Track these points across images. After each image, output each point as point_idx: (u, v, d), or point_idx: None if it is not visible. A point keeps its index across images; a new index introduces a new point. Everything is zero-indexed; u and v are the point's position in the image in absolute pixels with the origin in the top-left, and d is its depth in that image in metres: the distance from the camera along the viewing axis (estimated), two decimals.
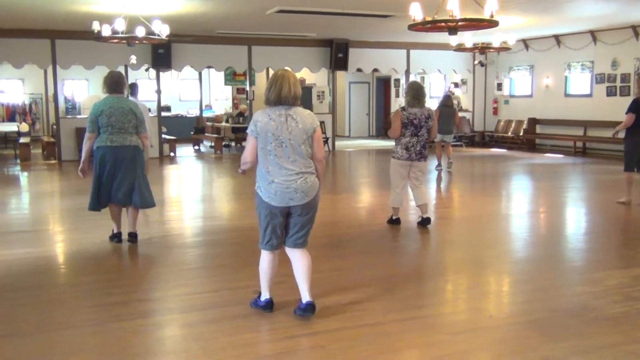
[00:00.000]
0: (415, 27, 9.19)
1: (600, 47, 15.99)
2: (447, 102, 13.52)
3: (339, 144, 19.31)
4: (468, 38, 13.07)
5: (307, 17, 13.12)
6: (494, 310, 4.83)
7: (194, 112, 22.83)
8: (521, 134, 18.44)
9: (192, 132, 19.79)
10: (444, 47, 16.75)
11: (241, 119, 18.75)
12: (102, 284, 5.51)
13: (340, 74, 19.86)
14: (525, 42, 17.93)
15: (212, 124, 20.34)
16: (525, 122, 18.31)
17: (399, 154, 7.44)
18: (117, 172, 6.42)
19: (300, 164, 4.21)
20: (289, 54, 17.28)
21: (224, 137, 18.82)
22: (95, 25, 10.94)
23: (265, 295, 4.52)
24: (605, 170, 13.53)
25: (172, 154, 16.85)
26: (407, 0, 8.78)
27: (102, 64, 15.57)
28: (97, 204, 6.61)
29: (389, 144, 20.70)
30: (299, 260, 4.45)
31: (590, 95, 16.51)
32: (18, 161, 15.46)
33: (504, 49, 14.06)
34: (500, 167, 14.52)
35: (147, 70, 17.81)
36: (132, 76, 16.59)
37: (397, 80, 22.58)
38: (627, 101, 9.21)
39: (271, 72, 17.33)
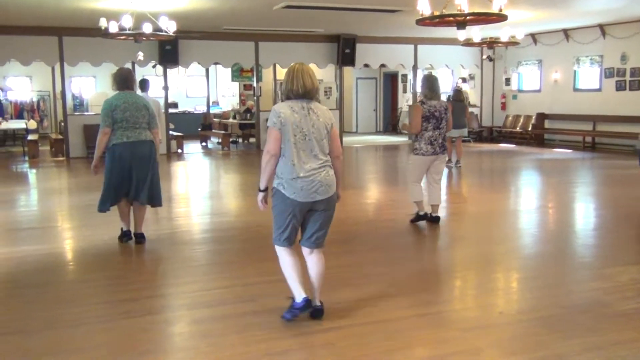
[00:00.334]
0: (423, 22, 9.15)
1: (609, 41, 15.87)
2: (459, 97, 13.45)
3: (346, 139, 19.26)
4: (476, 33, 13.01)
5: (314, 12, 13.09)
6: (505, 306, 4.79)
7: (201, 108, 22.83)
8: (529, 129, 18.35)
9: (199, 129, 19.79)
10: (452, 42, 16.67)
11: (248, 115, 18.72)
12: (111, 281, 5.52)
13: (347, 70, 19.81)
14: (534, 37, 17.82)
15: (220, 120, 20.34)
16: (534, 117, 18.21)
17: (423, 149, 7.22)
18: (135, 169, 6.31)
19: (323, 158, 4.17)
20: (296, 49, 17.24)
21: (231, 134, 18.81)
22: (103, 22, 10.94)
23: (300, 295, 4.22)
24: (614, 165, 13.45)
25: (179, 151, 16.86)
26: None
27: (109, 60, 15.60)
28: (107, 205, 6.48)
29: (396, 139, 20.68)
30: (316, 263, 4.36)
31: (599, 90, 16.40)
32: (26, 158, 15.51)
33: (512, 43, 13.97)
34: (508, 163, 14.45)
35: (154, 66, 17.84)
36: (139, 73, 16.58)
37: (405, 76, 22.50)
38: (637, 96, 9.12)
39: (278, 68, 17.40)
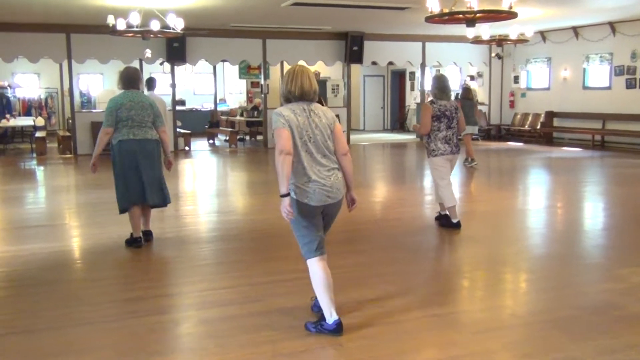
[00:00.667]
0: (432, 19, 9.11)
1: (619, 39, 15.74)
2: (468, 95, 13.36)
3: (354, 137, 19.20)
4: (485, 30, 12.91)
5: (322, 9, 13.03)
6: (516, 308, 4.73)
7: (208, 106, 22.82)
8: (538, 127, 18.23)
9: (206, 126, 19.77)
10: (460, 39, 16.59)
11: (256, 112, 18.69)
12: (118, 280, 5.50)
13: (354, 67, 19.73)
14: (543, 34, 17.70)
15: (227, 117, 20.32)
16: (543, 115, 18.10)
17: (440, 149, 7.08)
18: (142, 168, 6.23)
19: (330, 160, 4.06)
20: (304, 47, 17.20)
21: (238, 131, 18.78)
22: (110, 19, 10.93)
23: (333, 316, 4.00)
24: (624, 163, 13.35)
25: (186, 148, 16.85)
26: None
27: (117, 57, 15.59)
28: (126, 204, 6.34)
29: (404, 137, 20.60)
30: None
31: (609, 88, 16.27)
32: (34, 155, 15.53)
33: (522, 41, 13.90)
34: (517, 161, 14.36)
35: (161, 64, 17.83)
36: (147, 70, 16.57)
37: (412, 74, 22.41)
38: None
39: (286, 65, 17.32)
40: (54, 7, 12.35)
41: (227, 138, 18.35)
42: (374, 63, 19.03)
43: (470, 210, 8.83)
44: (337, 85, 20.76)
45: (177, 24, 11.14)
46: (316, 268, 4.05)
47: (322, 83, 21.25)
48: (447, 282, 5.47)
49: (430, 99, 7.31)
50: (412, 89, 22.82)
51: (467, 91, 13.62)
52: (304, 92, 4.03)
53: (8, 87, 20.95)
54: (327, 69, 20.37)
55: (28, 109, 21.87)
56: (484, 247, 6.60)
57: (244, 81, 22.96)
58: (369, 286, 5.07)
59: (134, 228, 6.40)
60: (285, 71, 4.40)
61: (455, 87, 18.44)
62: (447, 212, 7.31)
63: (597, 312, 4.48)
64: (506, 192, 10.31)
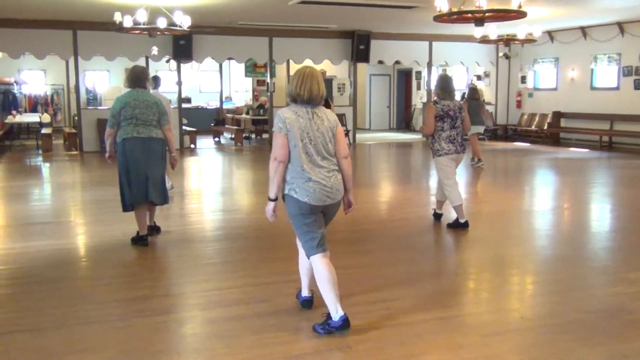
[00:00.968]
0: (441, 18, 9.05)
1: (627, 39, 15.63)
2: (474, 95, 13.28)
3: (359, 136, 19.13)
4: (492, 30, 12.84)
5: (329, 8, 12.98)
6: (525, 311, 4.66)
7: (213, 103, 22.80)
8: (545, 127, 18.14)
9: (212, 124, 19.75)
10: (467, 39, 16.52)
11: (262, 111, 18.66)
12: (124, 278, 5.46)
13: (361, 66, 19.66)
14: (550, 34, 17.60)
15: (233, 115, 20.29)
16: (550, 115, 18.00)
17: (445, 149, 7.07)
18: (147, 167, 6.21)
19: (330, 162, 4.09)
20: (310, 45, 17.15)
21: (244, 129, 18.74)
22: (117, 16, 10.90)
23: (339, 312, 3.99)
24: (632, 165, 13.26)
25: (192, 146, 16.84)
26: None
27: (124, 55, 15.59)
28: (127, 205, 6.33)
29: (409, 137, 20.54)
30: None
31: (617, 89, 16.17)
32: (40, 152, 15.53)
33: (529, 40, 13.82)
34: (524, 162, 14.28)
35: (167, 61, 17.80)
36: (153, 67, 16.50)
37: (419, 73, 22.33)
38: None
39: (292, 64, 17.29)
40: (60, 4, 12.33)
41: (233, 136, 18.32)
42: (380, 62, 18.97)
43: (477, 210, 8.77)
44: (343, 84, 20.71)
45: (184, 22, 11.11)
46: (319, 265, 4.06)
47: (328, 82, 21.19)
48: (454, 284, 5.42)
49: (435, 98, 7.29)
50: (419, 88, 22.75)
51: (473, 91, 13.55)
52: (312, 97, 4.05)
53: (14, 84, 20.98)
54: (333, 68, 20.32)
55: (34, 105, 21.90)
56: (490, 248, 6.54)
57: (249, 79, 22.95)
58: (375, 287, 5.03)
59: (140, 226, 6.36)
60: (293, 70, 4.46)
61: (462, 87, 18.40)
62: (442, 211, 7.41)
63: (608, 316, 4.42)
64: (513, 192, 10.25)
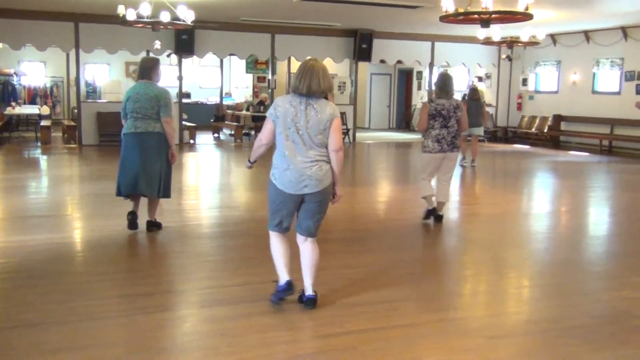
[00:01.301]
0: (447, 18, 9.01)
1: (631, 44, 15.61)
2: (474, 95, 13.24)
3: (359, 135, 19.07)
4: (496, 32, 12.80)
5: (333, 6, 12.93)
6: (530, 314, 4.63)
7: (213, 99, 22.72)
8: (545, 130, 18.12)
9: (212, 120, 19.68)
10: (470, 40, 16.49)
11: (262, 107, 18.59)
12: (125, 274, 5.42)
13: (362, 65, 19.60)
14: (553, 37, 17.58)
15: (233, 112, 20.21)
16: (550, 118, 17.98)
17: (430, 147, 7.21)
18: (142, 160, 6.25)
19: (316, 153, 4.21)
20: (313, 43, 17.09)
21: (244, 126, 18.69)
22: (121, 9, 10.84)
23: (284, 278, 4.42)
24: (632, 169, 13.25)
25: (191, 141, 16.78)
26: None
27: (125, 48, 15.52)
28: (120, 191, 6.48)
29: (409, 137, 20.51)
30: (308, 252, 4.42)
31: (618, 93, 16.15)
32: (39, 144, 15.44)
33: (533, 43, 13.79)
34: (524, 164, 14.26)
35: (168, 56, 17.71)
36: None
37: (420, 73, 22.31)
38: None
39: (294, 61, 17.23)
40: None
41: (233, 132, 18.26)
42: (382, 61, 18.92)
43: (478, 212, 8.76)
44: (344, 83, 20.65)
45: (188, 16, 11.05)
46: (273, 240, 4.47)
47: None
48: (456, 285, 5.40)
49: (425, 99, 7.37)
50: (419, 88, 22.72)
51: (473, 92, 13.50)
52: (310, 92, 4.19)
53: (14, 75, 20.87)
54: (334, 66, 20.21)
55: (33, 97, 21.80)
56: (491, 251, 6.51)
57: (250, 76, 22.88)
58: (379, 287, 4.99)
59: (131, 203, 6.60)
60: (294, 68, 4.64)
61: (462, 88, 18.36)
62: (441, 213, 7.43)
63: (615, 320, 4.40)
64: (513, 195, 10.23)
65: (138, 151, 6.25)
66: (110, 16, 12.54)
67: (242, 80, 24.05)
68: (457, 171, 12.26)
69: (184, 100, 17.93)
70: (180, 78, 16.70)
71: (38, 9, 14.17)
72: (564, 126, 17.78)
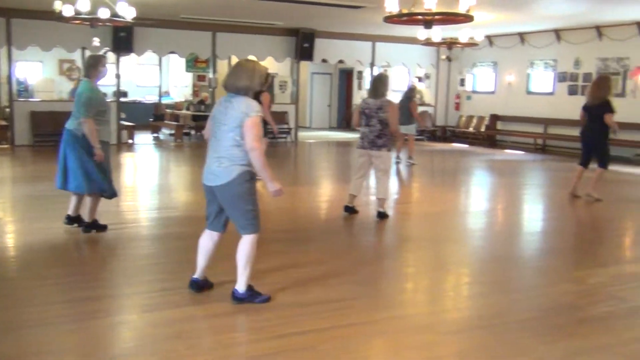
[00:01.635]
0: (391, 19, 9.11)
1: (563, 46, 16.20)
2: (408, 94, 13.48)
3: (300, 134, 19.07)
4: (436, 33, 13.04)
5: (276, 4, 12.86)
6: (482, 310, 4.71)
7: (151, 98, 22.28)
8: (483, 129, 18.60)
9: (151, 119, 19.30)
10: (410, 40, 16.73)
11: (203, 106, 18.37)
12: (70, 278, 5.21)
13: (303, 64, 19.61)
14: (490, 39, 18.04)
15: (172, 111, 19.86)
16: (487, 118, 18.47)
17: (359, 143, 7.67)
18: (67, 156, 6.35)
19: (223, 149, 4.32)
20: (254, 42, 16.98)
21: (184, 125, 18.39)
22: (57, 5, 10.47)
23: (195, 274, 4.72)
24: (564, 167, 13.67)
25: (130, 141, 16.40)
26: None
27: (60, 45, 15.05)
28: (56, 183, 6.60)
29: (349, 136, 20.64)
30: (238, 247, 4.49)
31: (552, 94, 16.73)
32: None
33: (471, 44, 14.12)
34: (462, 163, 14.58)
35: (105, 53, 17.24)
36: None
37: (360, 72, 22.50)
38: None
39: (234, 59, 17.07)
40: None
41: (173, 132, 17.95)
42: (324, 61, 18.99)
43: (416, 211, 8.90)
44: (285, 82, 20.62)
45: (128, 13, 10.79)
46: (201, 236, 4.70)
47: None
48: (404, 283, 5.50)
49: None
50: (359, 88, 22.91)
51: (408, 91, 13.73)
52: (227, 89, 4.37)
53: None
54: (275, 65, 20.16)
55: None
56: (435, 249, 6.62)
57: (189, 74, 22.54)
58: (329, 286, 4.99)
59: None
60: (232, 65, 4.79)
61: (401, 88, 18.60)
62: (383, 209, 7.65)
63: (561, 313, 4.54)
64: (451, 193, 10.45)
65: (63, 147, 6.40)
66: (45, 12, 12.09)
67: (181, 79, 23.67)
68: (394, 170, 12.39)
69: (122, 99, 17.50)
70: (118, 76, 16.29)
71: None
72: (500, 125, 18.29)
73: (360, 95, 22.52)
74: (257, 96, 4.52)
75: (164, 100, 21.57)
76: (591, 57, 15.49)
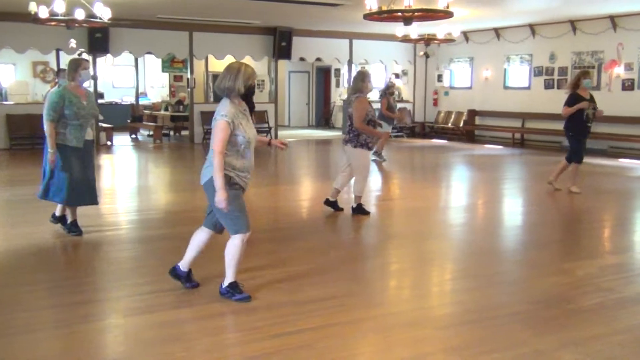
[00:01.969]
0: (371, 16, 9.14)
1: (538, 41, 16.39)
2: (383, 91, 13.54)
3: (280, 133, 19.03)
4: (414, 29, 13.10)
5: (253, 3, 12.82)
6: (472, 304, 4.72)
7: (128, 99, 22.09)
8: (461, 125, 18.73)
9: (128, 120, 19.12)
10: (387, 37, 16.81)
11: (181, 107, 18.25)
12: (57, 283, 5.15)
13: (280, 63, 19.59)
14: (466, 35, 18.17)
15: (150, 112, 19.71)
16: (465, 113, 18.60)
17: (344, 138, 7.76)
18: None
19: (209, 150, 4.41)
20: (232, 41, 16.91)
21: (163, 126, 18.26)
22: (32, 7, 10.33)
23: (185, 267, 4.83)
24: (543, 161, 13.85)
25: (108, 143, 16.24)
26: None
27: (34, 47, 14.86)
28: None
29: (329, 134, 20.70)
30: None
31: (528, 88, 16.92)
32: None
33: (448, 40, 14.23)
34: (441, 158, 14.66)
35: (80, 54, 17.05)
36: (66, 61, 15.80)
37: (338, 70, 22.52)
38: (564, 94, 9.46)
39: (211, 59, 17.04)
40: None
41: (151, 133, 17.81)
42: (302, 59, 18.97)
43: (398, 206, 8.95)
44: (263, 81, 20.58)
45: (104, 14, 10.67)
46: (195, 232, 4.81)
47: None
48: (394, 280, 5.54)
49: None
50: (338, 85, 22.93)
51: (385, 88, 13.78)
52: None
53: None
54: (253, 64, 20.10)
55: None
56: (420, 245, 6.66)
57: (166, 75, 22.38)
58: (320, 284, 5.00)
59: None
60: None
61: (378, 85, 18.65)
62: (362, 206, 7.69)
63: (552, 306, 4.59)
64: (432, 188, 10.52)
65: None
66: (19, 14, 11.92)
67: (157, 80, 23.48)
68: (374, 166, 12.33)
69: (99, 101, 17.31)
70: (95, 78, 16.11)
71: None
72: (478, 121, 18.44)
73: (338, 93, 22.58)
74: (246, 97, 4.46)
75: (141, 101, 21.39)
76: (566, 51, 15.69)
